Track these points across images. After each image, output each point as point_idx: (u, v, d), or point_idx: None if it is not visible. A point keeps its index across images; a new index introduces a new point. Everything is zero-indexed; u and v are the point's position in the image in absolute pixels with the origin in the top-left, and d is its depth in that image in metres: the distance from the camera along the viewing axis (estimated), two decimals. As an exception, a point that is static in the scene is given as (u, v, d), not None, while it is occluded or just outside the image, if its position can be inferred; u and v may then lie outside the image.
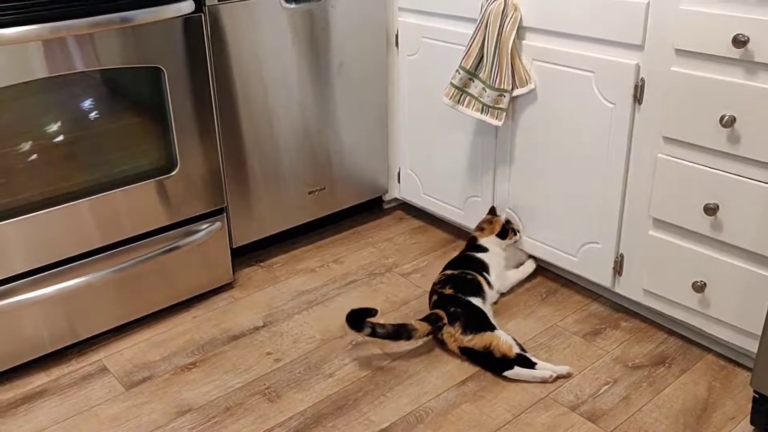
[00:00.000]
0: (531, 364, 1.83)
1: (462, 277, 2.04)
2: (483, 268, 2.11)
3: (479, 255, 2.14)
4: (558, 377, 1.84)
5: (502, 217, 2.23)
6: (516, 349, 1.84)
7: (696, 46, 1.65)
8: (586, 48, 1.90)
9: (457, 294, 1.97)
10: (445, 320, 1.91)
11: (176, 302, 2.15)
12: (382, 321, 1.88)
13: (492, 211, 2.26)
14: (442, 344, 1.94)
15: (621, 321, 2.07)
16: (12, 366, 1.88)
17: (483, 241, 2.18)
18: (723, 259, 1.76)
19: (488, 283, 2.08)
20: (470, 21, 2.16)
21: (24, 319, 1.85)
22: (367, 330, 1.85)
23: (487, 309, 1.99)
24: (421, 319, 1.91)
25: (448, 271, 2.09)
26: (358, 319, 1.84)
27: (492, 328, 1.89)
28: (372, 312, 1.86)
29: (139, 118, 1.96)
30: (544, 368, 1.83)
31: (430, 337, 1.94)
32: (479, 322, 1.89)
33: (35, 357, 1.91)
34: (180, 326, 2.09)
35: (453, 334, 1.89)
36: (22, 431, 1.71)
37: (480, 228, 2.22)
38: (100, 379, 1.88)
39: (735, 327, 1.79)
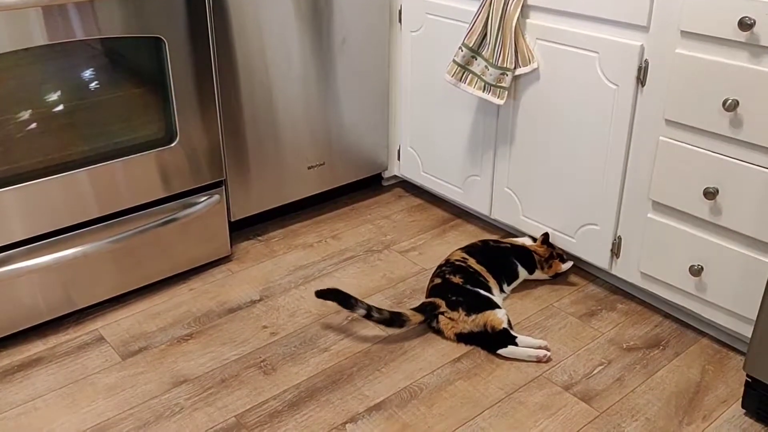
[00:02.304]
0: (512, 338, 1.84)
1: (474, 277, 1.99)
2: (512, 275, 2.10)
3: (519, 269, 2.10)
4: (550, 358, 1.85)
5: (564, 265, 2.12)
6: (504, 325, 1.85)
7: (702, 28, 1.64)
8: (590, 28, 1.89)
9: (465, 285, 1.95)
10: (442, 308, 1.90)
11: (173, 274, 2.15)
12: (372, 301, 1.89)
13: (546, 241, 2.13)
14: (438, 333, 1.93)
15: (617, 303, 2.08)
16: (9, 333, 1.88)
17: (536, 273, 2.13)
18: (721, 244, 1.76)
19: (501, 288, 2.07)
20: (475, -2, 2.14)
21: (21, 287, 1.86)
22: (362, 311, 1.86)
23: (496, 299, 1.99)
24: (415, 309, 1.90)
25: (464, 261, 2.04)
26: (344, 296, 1.86)
27: (496, 307, 1.90)
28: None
29: (139, 89, 1.95)
30: (524, 342, 1.85)
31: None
32: (483, 304, 1.89)
33: (32, 325, 1.92)
34: (177, 298, 2.10)
35: (455, 318, 1.88)
36: (18, 398, 1.72)
37: (540, 266, 2.11)
38: (96, 348, 1.89)
39: (730, 311, 1.79)
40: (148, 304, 2.07)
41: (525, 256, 2.11)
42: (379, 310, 1.86)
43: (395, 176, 2.74)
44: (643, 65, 1.79)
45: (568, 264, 2.12)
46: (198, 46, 1.97)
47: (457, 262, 2.04)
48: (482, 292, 1.94)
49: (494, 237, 2.39)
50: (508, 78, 2.03)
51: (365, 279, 2.19)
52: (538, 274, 2.12)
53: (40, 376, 1.79)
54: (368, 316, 1.87)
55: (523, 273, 2.11)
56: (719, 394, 1.74)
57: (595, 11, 1.85)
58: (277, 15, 2.16)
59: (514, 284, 2.11)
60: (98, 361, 1.85)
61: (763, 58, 1.57)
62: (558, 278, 2.16)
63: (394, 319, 1.87)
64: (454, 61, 2.12)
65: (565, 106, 2.00)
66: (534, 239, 2.22)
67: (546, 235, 2.13)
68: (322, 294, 1.88)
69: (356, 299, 1.86)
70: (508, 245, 2.14)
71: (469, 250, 2.11)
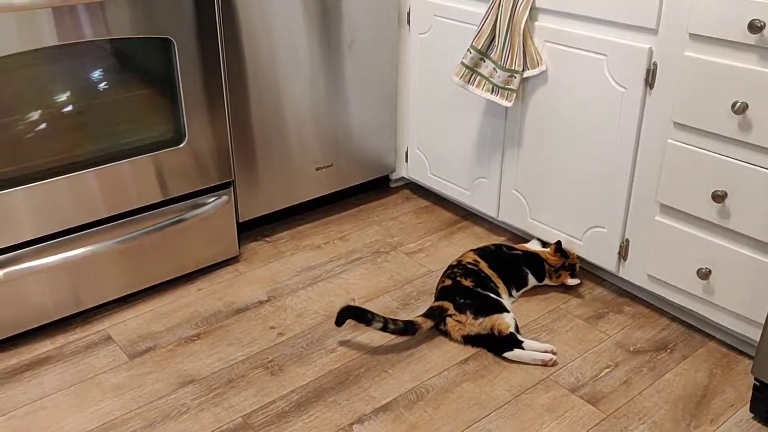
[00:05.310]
0: (519, 343, 1.84)
1: (485, 281, 1.99)
2: (522, 282, 2.09)
3: (529, 278, 2.09)
4: (556, 361, 1.85)
5: (570, 280, 2.11)
6: (511, 329, 1.85)
7: (711, 30, 1.64)
8: (598, 31, 1.89)
9: (476, 288, 1.95)
10: (450, 311, 1.90)
11: (181, 274, 2.16)
12: (372, 307, 1.89)
13: (560, 249, 2.10)
14: (445, 334, 1.92)
15: (624, 306, 2.07)
16: (18, 332, 1.89)
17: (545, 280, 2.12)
18: (729, 247, 1.75)
19: (510, 293, 2.06)
20: (483, 0, 2.14)
21: (30, 287, 1.86)
22: (379, 324, 1.84)
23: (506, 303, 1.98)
24: (424, 314, 1.90)
25: (476, 264, 2.03)
26: (359, 312, 1.85)
27: (504, 311, 1.90)
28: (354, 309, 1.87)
29: (147, 90, 1.96)
30: (531, 347, 1.84)
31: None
32: (492, 308, 1.89)
33: (41, 324, 1.93)
34: (184, 298, 2.10)
35: (463, 321, 1.88)
36: (26, 397, 1.73)
37: (549, 275, 2.11)
38: (104, 348, 1.90)
39: (738, 315, 1.79)
40: (155, 304, 2.07)
41: (536, 264, 2.10)
42: (394, 321, 1.86)
43: (403, 178, 2.75)
44: (652, 68, 1.79)
45: (576, 280, 2.10)
46: (207, 48, 1.98)
47: (469, 265, 2.03)
48: (492, 295, 1.94)
49: (503, 239, 2.39)
50: (516, 80, 2.03)
51: (372, 280, 2.19)
52: (547, 281, 2.12)
53: (48, 376, 1.80)
54: (384, 329, 1.86)
55: (532, 281, 2.10)
56: (727, 398, 1.74)
57: (604, 14, 1.85)
58: (285, 17, 2.16)
59: (523, 290, 2.11)
60: (106, 360, 1.85)
61: (773, 60, 1.57)
62: (569, 288, 2.15)
63: (407, 328, 1.87)
64: (462, 62, 2.12)
65: (573, 108, 2.00)
66: (543, 242, 2.22)
67: (558, 243, 2.12)
68: (340, 319, 1.86)
69: (372, 313, 1.85)
70: (521, 252, 2.13)
71: (481, 253, 2.10)
